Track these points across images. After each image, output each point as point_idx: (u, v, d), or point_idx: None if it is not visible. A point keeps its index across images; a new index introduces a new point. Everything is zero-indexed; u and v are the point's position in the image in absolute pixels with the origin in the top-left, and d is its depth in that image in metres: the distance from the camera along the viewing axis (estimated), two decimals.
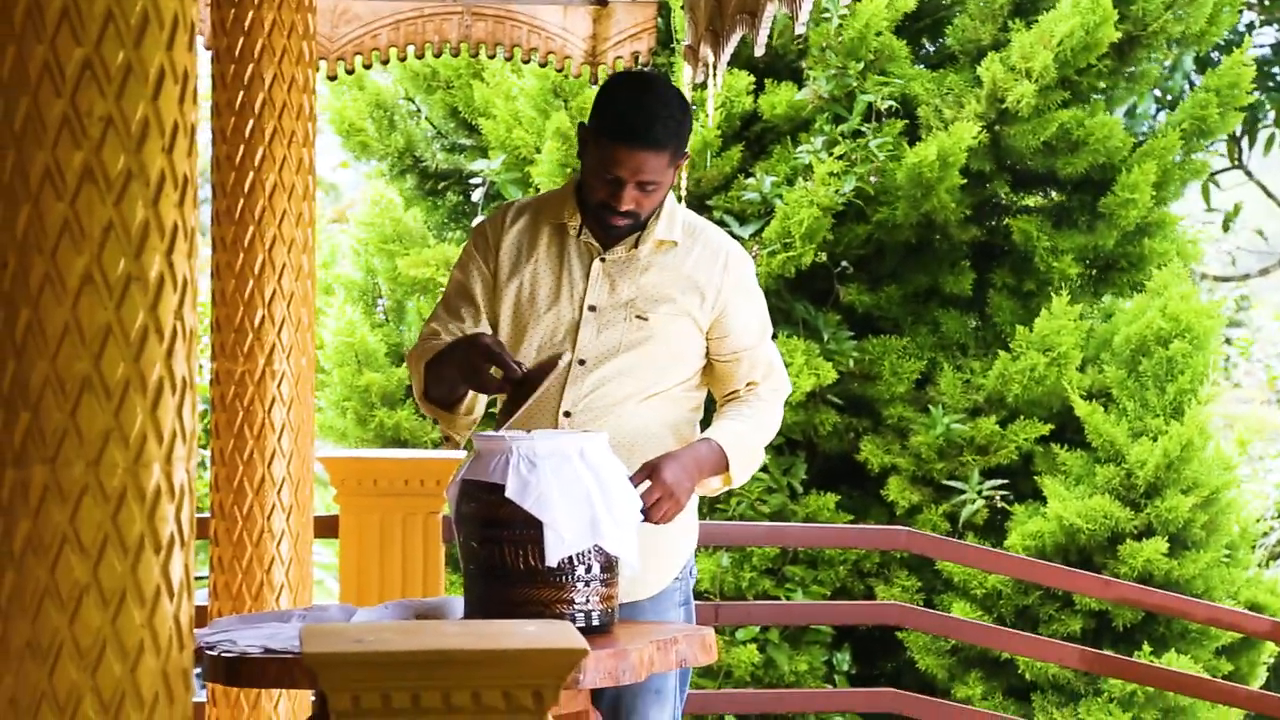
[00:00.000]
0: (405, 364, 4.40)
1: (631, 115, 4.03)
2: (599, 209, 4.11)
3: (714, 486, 4.19)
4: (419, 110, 9.72)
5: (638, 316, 4.15)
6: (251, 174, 5.16)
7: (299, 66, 5.22)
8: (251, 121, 5.15)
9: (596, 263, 4.18)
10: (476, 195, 9.08)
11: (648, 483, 3.96)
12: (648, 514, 3.92)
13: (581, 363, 4.15)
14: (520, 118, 8.95)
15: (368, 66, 6.24)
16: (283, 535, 5.17)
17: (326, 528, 6.41)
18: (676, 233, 4.20)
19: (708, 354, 4.26)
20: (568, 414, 4.13)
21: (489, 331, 4.21)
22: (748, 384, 4.29)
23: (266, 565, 5.17)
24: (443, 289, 8.74)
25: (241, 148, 5.15)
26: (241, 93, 5.15)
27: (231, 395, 5.15)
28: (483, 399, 4.21)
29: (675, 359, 4.20)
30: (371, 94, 9.62)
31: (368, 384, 8.93)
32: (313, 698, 5.15)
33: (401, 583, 6.29)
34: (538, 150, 8.80)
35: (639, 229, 4.17)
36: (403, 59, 6.19)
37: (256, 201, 5.16)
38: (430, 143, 9.66)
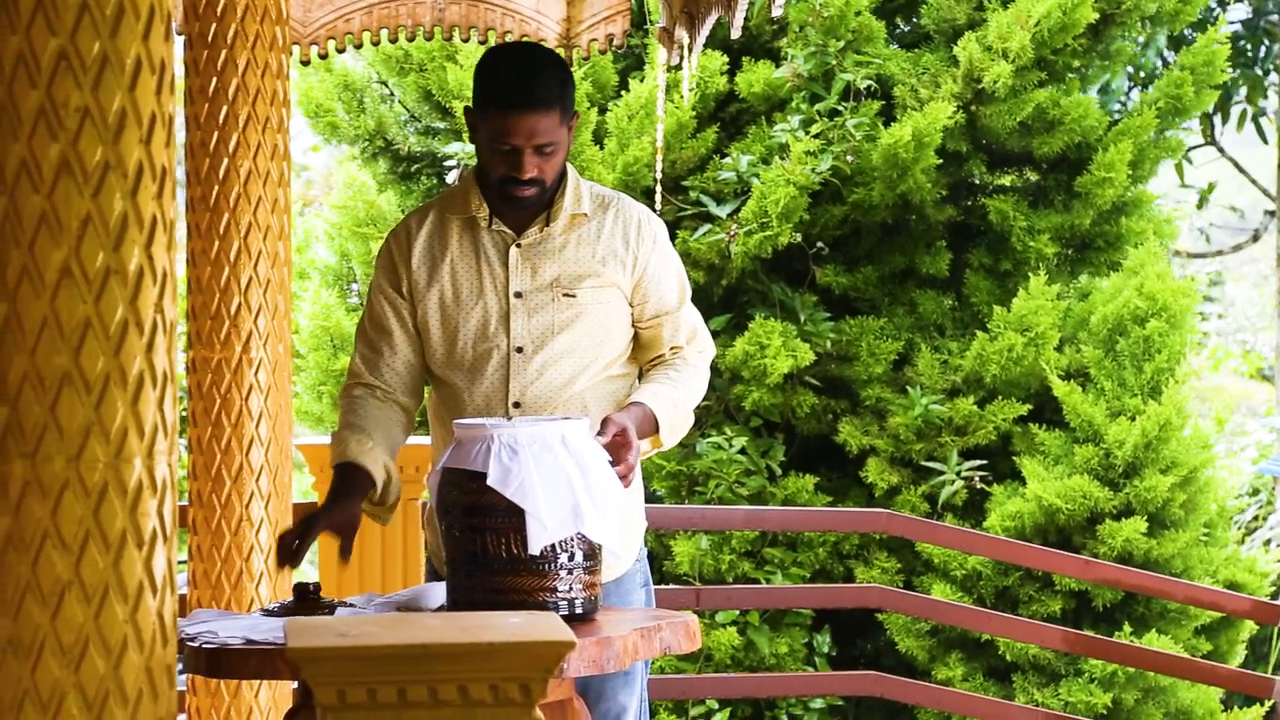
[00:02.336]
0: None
1: (513, 81, 4.02)
2: (503, 185, 4.08)
3: (643, 449, 4.16)
4: (391, 93, 9.67)
5: (565, 295, 4.14)
6: (226, 160, 5.12)
7: (272, 52, 5.18)
8: (225, 107, 5.12)
9: (513, 249, 4.16)
10: (450, 178, 9.04)
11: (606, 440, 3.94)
12: (614, 460, 3.89)
13: (520, 350, 4.14)
14: None
15: (341, 51, 6.19)
16: (261, 523, 5.15)
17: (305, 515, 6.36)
18: (585, 205, 4.20)
19: (633, 322, 4.26)
20: (517, 404, 4.13)
21: (408, 360, 4.23)
22: (672, 348, 4.29)
23: (246, 553, 5.14)
24: None
25: (215, 134, 5.12)
26: (215, 78, 5.12)
27: (209, 383, 5.12)
28: (394, 486, 4.20)
29: (609, 332, 4.20)
30: (340, 76, 9.57)
31: (343, 368, 8.88)
32: (294, 687, 5.13)
33: (381, 570, 6.26)
34: None
35: (546, 206, 4.15)
36: (376, 43, 6.15)
37: (231, 188, 5.13)
38: (403, 126, 9.61)
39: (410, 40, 6.13)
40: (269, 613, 3.95)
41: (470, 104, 4.14)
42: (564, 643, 2.66)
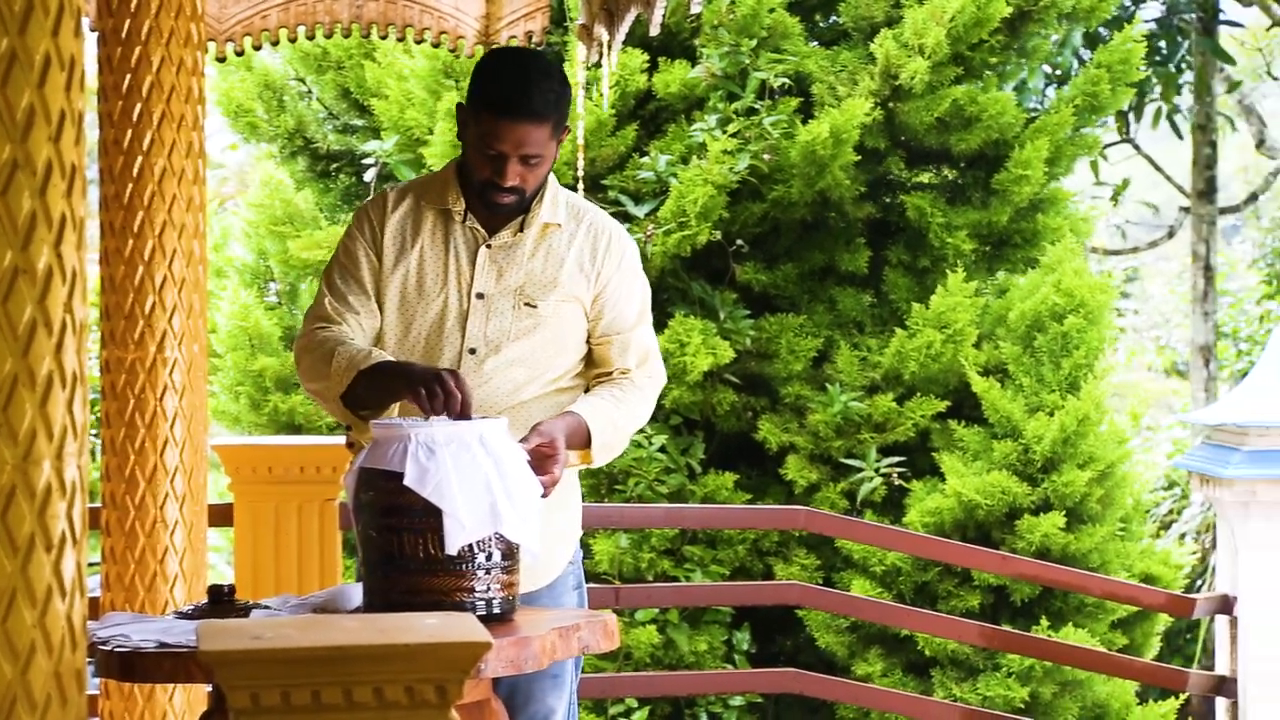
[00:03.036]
0: (297, 347, 4.23)
1: (511, 88, 3.98)
2: (483, 187, 4.05)
3: (570, 460, 4.13)
4: (309, 91, 9.62)
5: (526, 304, 4.10)
6: (140, 158, 5.06)
7: (187, 48, 5.13)
8: (139, 105, 5.06)
9: (483, 249, 4.12)
10: (369, 176, 9.00)
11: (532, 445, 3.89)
12: (537, 469, 3.85)
13: (472, 351, 4.10)
14: (412, 98, 8.88)
15: (258, 48, 6.14)
16: (176, 525, 5.09)
17: (221, 516, 6.33)
18: (560, 215, 4.16)
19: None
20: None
21: (377, 316, 4.15)
22: (620, 370, 4.22)
23: (160, 555, 5.08)
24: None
25: (129, 132, 5.06)
26: (129, 76, 5.06)
27: (122, 383, 5.06)
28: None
29: (564, 346, 4.15)
30: (260, 74, 9.52)
31: (261, 368, 8.84)
32: (209, 690, 5.09)
33: (298, 571, 6.22)
34: (430, 131, 8.73)
35: (523, 210, 4.13)
36: (293, 40, 6.09)
37: (145, 186, 5.07)
38: (321, 124, 9.56)
39: (328, 37, 6.09)
40: (183, 615, 3.91)
41: (464, 100, 4.09)
42: (480, 644, 2.63)
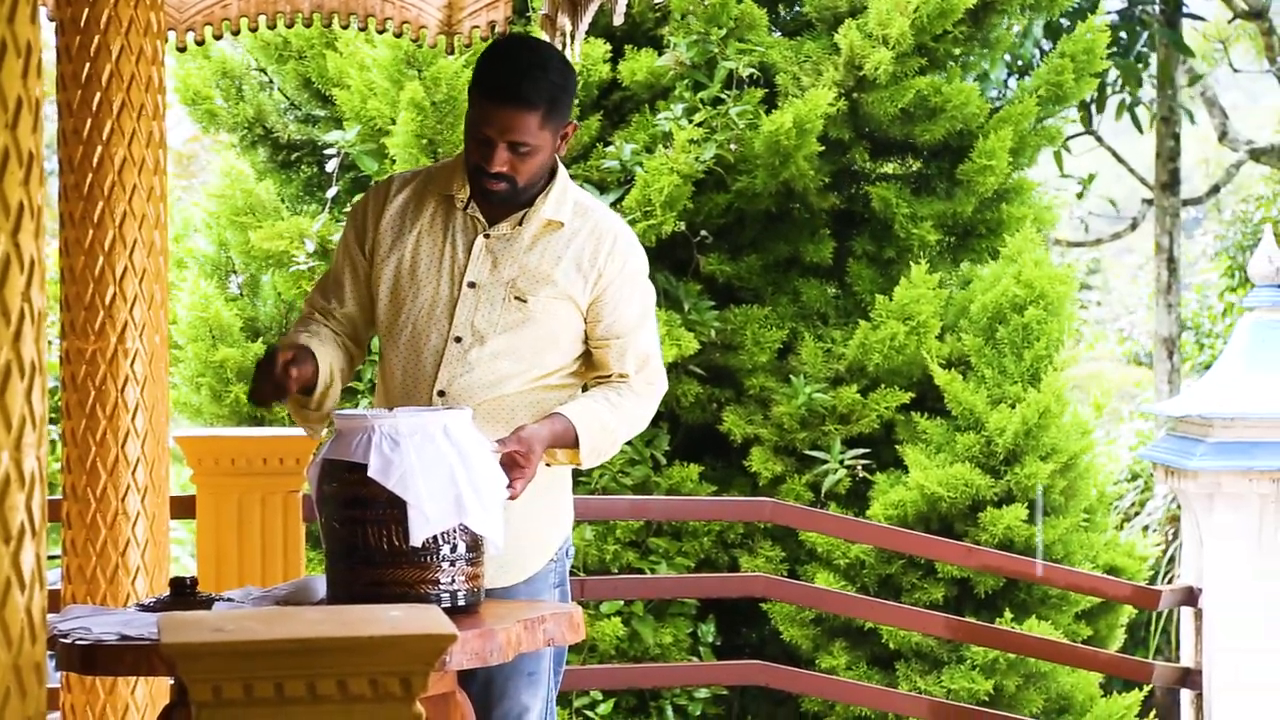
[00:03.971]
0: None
1: (501, 72, 3.98)
2: (474, 173, 4.05)
3: (559, 458, 4.11)
4: (270, 81, 9.57)
5: (517, 298, 4.08)
6: (100, 148, 5.02)
7: (147, 37, 5.09)
8: (99, 94, 5.01)
9: (480, 239, 4.11)
10: (331, 166, 8.95)
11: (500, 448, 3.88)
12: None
13: (458, 340, 4.08)
14: (374, 88, 8.83)
15: (218, 37, 6.09)
16: (138, 517, 5.05)
17: (183, 508, 6.29)
18: (565, 213, 4.13)
19: (586, 338, 4.19)
20: (442, 393, 4.07)
21: (351, 316, 4.21)
22: (619, 374, 4.19)
23: (121, 548, 5.04)
24: (297, 261, 8.66)
25: (89, 121, 5.01)
26: (88, 65, 5.01)
27: (83, 374, 5.02)
28: (333, 395, 4.13)
29: (553, 343, 4.12)
30: (218, 63, 9.46)
31: (223, 359, 8.79)
32: (171, 683, 5.05)
33: (261, 563, 6.18)
34: (393, 121, 8.69)
35: (525, 205, 4.11)
36: (254, 29, 6.04)
37: (106, 176, 5.02)
38: (282, 114, 9.51)
39: (289, 26, 6.05)
40: (145, 608, 3.89)
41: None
42: (445, 635, 2.61)
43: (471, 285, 4.09)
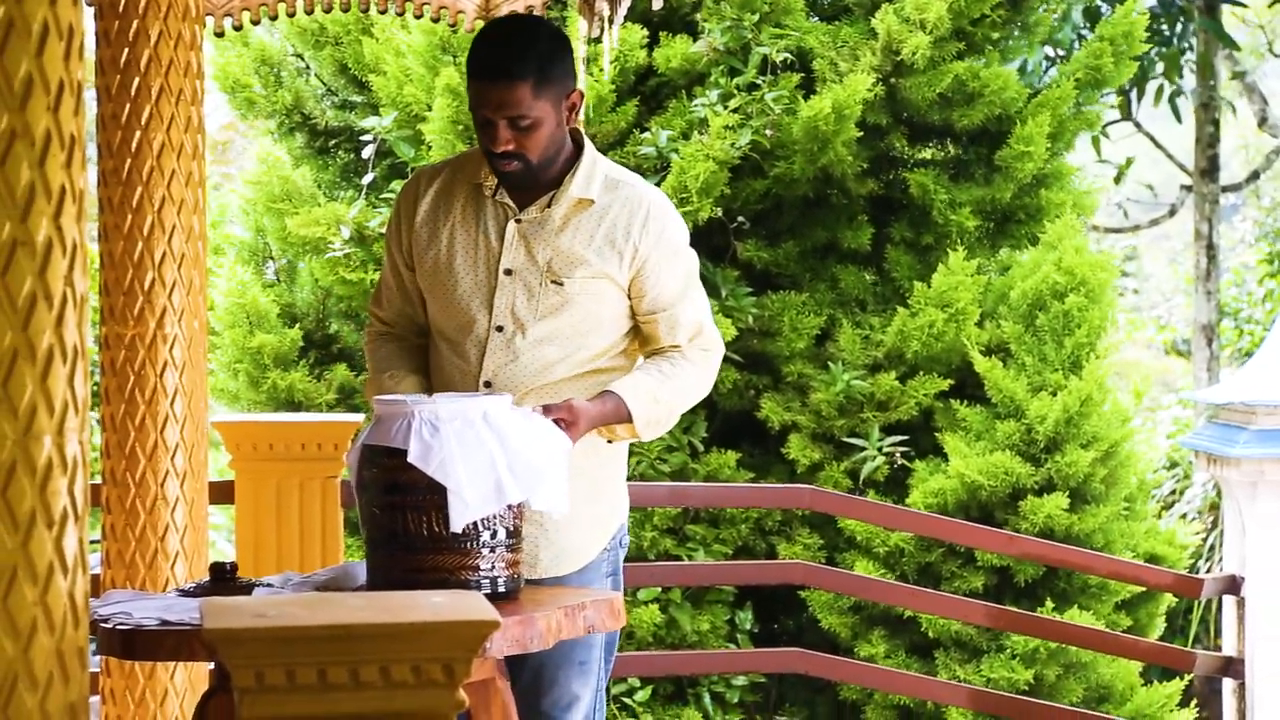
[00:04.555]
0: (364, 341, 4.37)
1: (484, 50, 3.94)
2: (488, 157, 4.01)
3: (619, 434, 4.07)
4: (307, 67, 9.56)
5: (553, 281, 4.01)
6: (139, 133, 5.01)
7: (185, 22, 5.08)
8: (137, 79, 5.01)
9: (511, 224, 4.06)
10: (367, 152, 8.94)
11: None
12: None
13: (500, 329, 4.03)
14: (410, 74, 8.82)
15: (256, 23, 6.09)
16: (177, 502, 5.05)
17: (222, 493, 6.29)
18: (595, 189, 4.05)
19: (632, 314, 4.13)
20: (488, 384, 4.02)
21: (403, 311, 4.23)
22: (671, 345, 4.12)
23: (161, 532, 5.05)
24: (333, 247, 8.65)
25: (128, 106, 5.01)
26: (126, 49, 5.01)
27: (122, 360, 5.02)
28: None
29: (596, 324, 4.06)
30: (257, 50, 9.46)
31: (260, 345, 8.79)
32: (211, 668, 5.05)
33: (299, 549, 6.18)
34: (429, 107, 8.68)
35: (553, 185, 4.05)
36: (291, 14, 6.03)
37: (144, 161, 5.02)
38: (319, 100, 9.51)
39: (327, 12, 6.04)
40: (185, 593, 3.88)
41: None
42: (488, 622, 2.60)
43: (508, 272, 4.04)
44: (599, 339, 4.07)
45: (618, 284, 4.06)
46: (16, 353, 2.42)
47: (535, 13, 6.13)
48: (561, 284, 4.02)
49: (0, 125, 2.40)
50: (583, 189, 4.05)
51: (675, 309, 4.11)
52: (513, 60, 3.90)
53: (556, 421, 3.83)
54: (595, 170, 4.08)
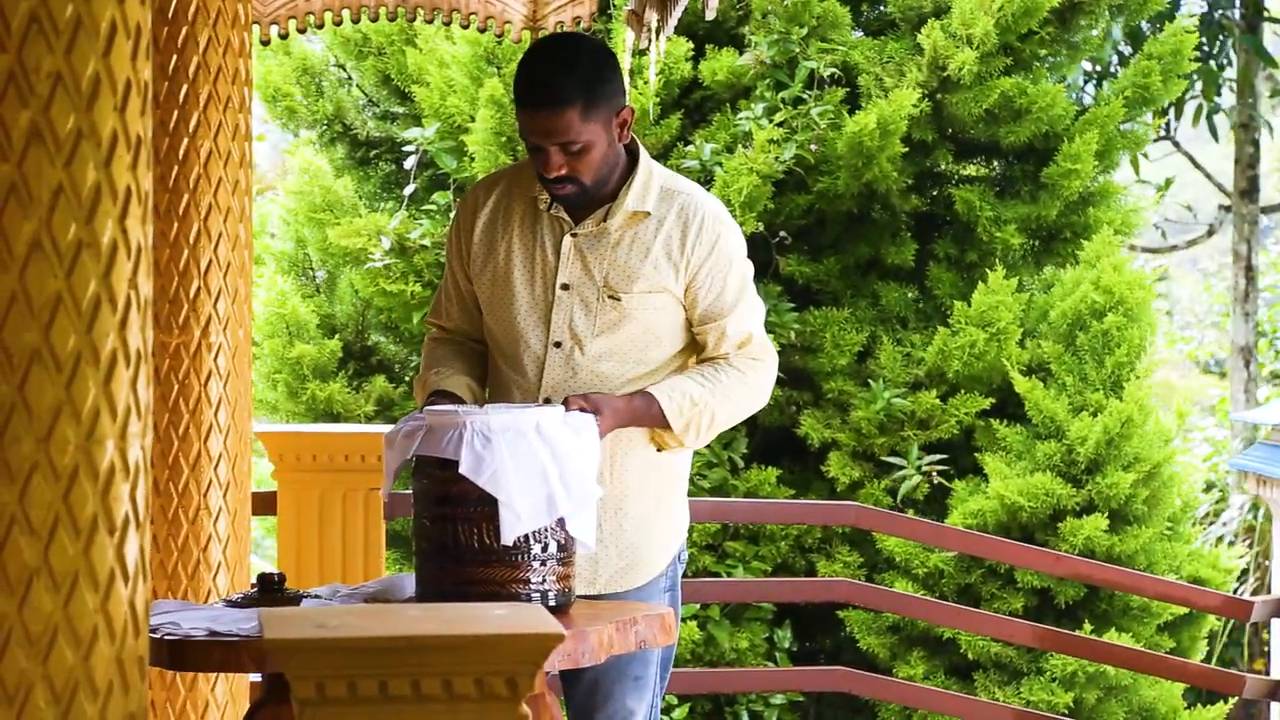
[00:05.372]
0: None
1: (528, 76, 3.87)
2: (542, 181, 3.95)
3: (670, 444, 3.99)
4: (349, 77, 9.54)
5: (611, 297, 3.95)
6: (186, 140, 4.98)
7: (234, 30, 5.05)
8: (185, 86, 4.98)
9: (567, 239, 3.99)
10: (409, 163, 8.91)
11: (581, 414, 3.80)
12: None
13: (558, 345, 3.97)
14: (454, 85, 8.79)
15: (302, 31, 6.06)
16: (220, 512, 5.01)
17: (264, 504, 6.26)
18: (650, 202, 3.98)
19: (689, 325, 4.07)
20: (548, 400, 3.95)
21: (464, 323, 4.16)
22: (718, 354, 4.05)
23: (203, 543, 5.01)
24: (374, 258, 8.63)
25: (175, 113, 4.98)
26: (175, 56, 4.98)
27: (166, 368, 4.98)
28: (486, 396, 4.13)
29: (655, 338, 4.00)
30: (299, 59, 9.45)
31: (299, 356, 8.77)
32: (254, 678, 5.02)
33: (342, 560, 6.14)
34: (472, 118, 8.65)
35: (609, 198, 3.99)
36: (338, 23, 6.01)
37: (191, 169, 4.99)
38: (361, 110, 9.49)
39: (373, 21, 6.01)
40: (232, 604, 3.85)
41: None
42: (552, 635, 2.55)
43: (565, 288, 3.98)
44: (658, 352, 4.01)
45: (675, 296, 4.00)
46: (80, 356, 2.38)
47: (583, 23, 6.10)
48: (619, 299, 3.95)
49: (67, 125, 2.36)
50: (638, 202, 3.98)
51: (726, 320, 4.03)
52: (557, 85, 3.83)
53: (577, 410, 3.78)
54: (651, 182, 4.01)
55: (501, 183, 4.11)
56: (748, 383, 4.07)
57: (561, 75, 3.84)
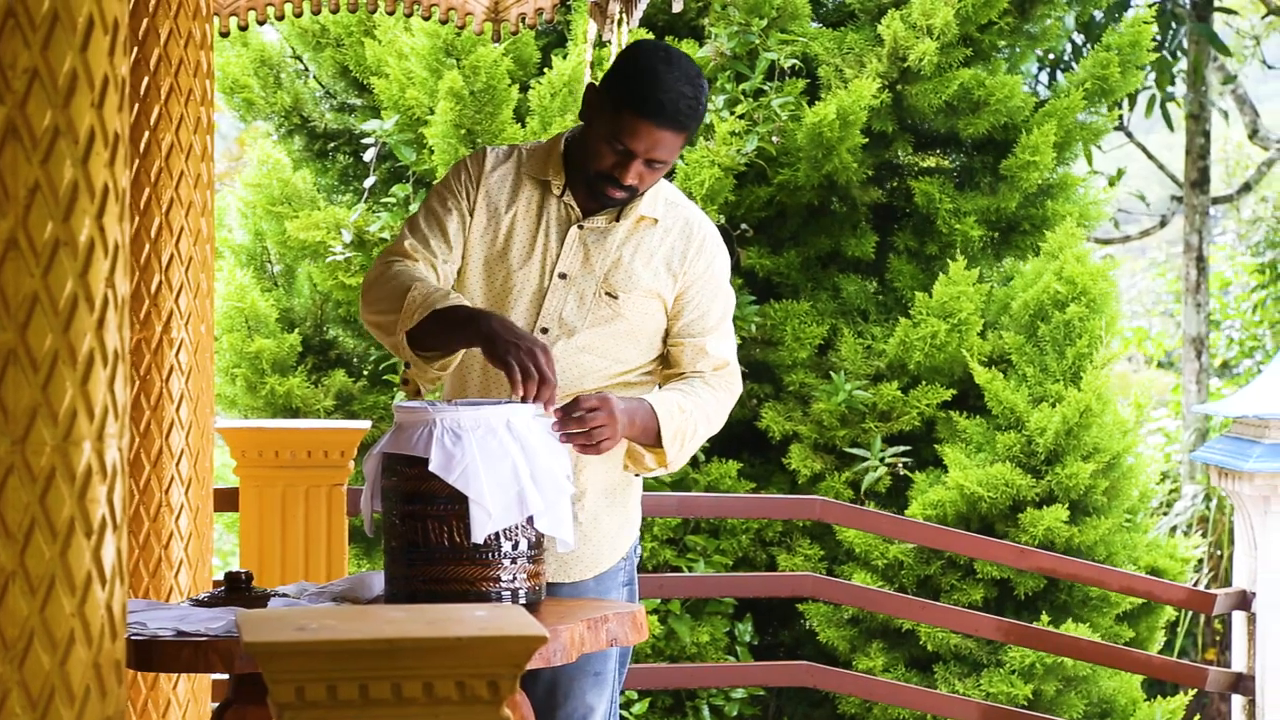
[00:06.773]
0: (367, 279, 4.02)
1: (661, 92, 3.81)
2: (598, 178, 3.91)
3: (648, 464, 4.00)
4: (307, 69, 9.48)
5: (608, 293, 3.96)
6: (147, 133, 4.95)
7: (195, 21, 5.02)
8: (147, 79, 4.94)
9: (574, 229, 3.99)
10: (368, 156, 8.85)
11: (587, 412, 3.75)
12: (584, 422, 3.71)
13: (544, 331, 3.97)
14: (413, 77, 8.74)
15: (261, 23, 6.02)
16: (181, 509, 4.98)
17: (226, 500, 6.22)
18: (659, 209, 4.02)
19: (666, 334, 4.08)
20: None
21: (456, 265, 3.98)
22: (694, 372, 4.06)
23: (165, 540, 4.98)
24: (333, 251, 8.57)
25: (136, 106, 4.94)
26: (136, 49, 4.94)
27: (128, 364, 4.94)
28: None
29: (639, 340, 4.01)
30: (256, 51, 9.38)
31: (258, 350, 8.71)
32: (215, 676, 4.97)
33: (304, 557, 6.11)
34: (431, 110, 8.60)
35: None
36: (298, 14, 5.97)
37: (153, 162, 4.96)
38: (319, 102, 9.43)
39: (334, 12, 5.96)
40: (198, 603, 3.80)
41: (600, 85, 3.92)
42: (535, 637, 2.52)
43: (563, 276, 3.97)
44: (636, 354, 4.02)
45: (665, 304, 4.04)
46: (57, 356, 2.35)
47: (545, 15, 6.08)
48: (616, 297, 3.97)
49: (44, 122, 2.33)
50: (649, 207, 4.01)
51: (706, 339, 4.07)
52: (690, 112, 3.83)
53: (591, 411, 3.74)
54: (659, 190, 4.05)
55: (510, 158, 4.07)
56: (720, 402, 4.09)
57: (690, 99, 3.83)
